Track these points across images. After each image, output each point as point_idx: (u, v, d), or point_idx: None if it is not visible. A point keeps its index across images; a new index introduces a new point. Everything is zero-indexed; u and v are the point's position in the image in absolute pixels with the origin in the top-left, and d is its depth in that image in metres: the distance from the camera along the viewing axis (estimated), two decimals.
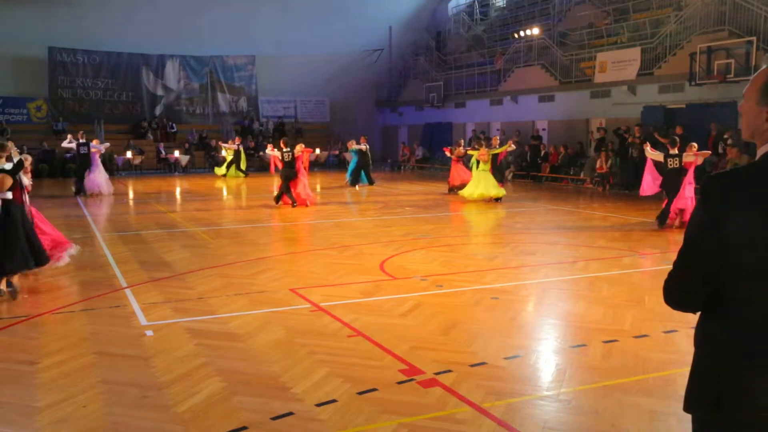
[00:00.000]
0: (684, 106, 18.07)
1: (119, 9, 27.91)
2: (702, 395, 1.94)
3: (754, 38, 15.78)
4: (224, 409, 4.17)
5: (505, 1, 31.13)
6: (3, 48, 26.51)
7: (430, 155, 28.89)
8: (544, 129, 23.78)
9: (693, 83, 17.09)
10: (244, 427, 3.91)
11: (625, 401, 4.22)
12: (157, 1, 28.32)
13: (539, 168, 22.04)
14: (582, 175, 20.17)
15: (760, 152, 1.91)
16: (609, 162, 18.80)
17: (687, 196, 11.19)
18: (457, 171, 18.73)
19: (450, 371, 4.77)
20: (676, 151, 11.37)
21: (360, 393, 4.39)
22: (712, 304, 1.93)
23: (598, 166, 19.18)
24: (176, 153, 27.79)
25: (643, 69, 19.04)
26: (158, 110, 30.26)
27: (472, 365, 4.90)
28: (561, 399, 4.32)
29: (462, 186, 17.46)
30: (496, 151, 16.38)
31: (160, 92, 30.33)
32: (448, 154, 19.26)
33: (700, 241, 1.90)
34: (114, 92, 29.64)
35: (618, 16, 22.39)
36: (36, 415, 4.10)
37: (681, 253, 1.95)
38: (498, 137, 18.85)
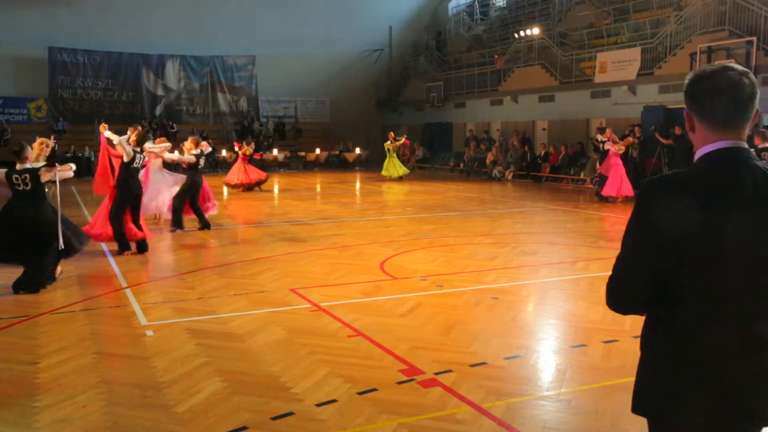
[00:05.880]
0: (684, 106, 18.04)
1: (119, 9, 27.92)
2: (647, 399, 2.00)
3: (754, 38, 15.77)
4: (224, 409, 4.17)
5: (505, 1, 31.11)
6: (3, 48, 26.51)
7: (430, 155, 28.90)
8: (544, 129, 23.79)
9: None
10: (244, 427, 3.91)
11: (625, 401, 4.19)
12: (158, 1, 28.34)
13: (539, 168, 22.04)
14: (582, 175, 20.17)
15: (696, 156, 1.95)
16: None
17: None
18: (240, 169, 18.78)
19: (450, 371, 4.76)
20: None
21: (360, 393, 4.39)
22: (654, 307, 1.95)
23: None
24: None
25: (643, 69, 19.04)
26: (158, 110, 30.24)
27: (472, 365, 4.90)
28: (561, 399, 4.32)
29: (238, 185, 18.38)
30: (399, 143, 23.43)
31: (160, 92, 30.32)
32: (237, 149, 19.45)
33: (638, 245, 1.91)
34: (114, 92, 29.63)
35: (618, 16, 22.38)
36: (36, 415, 4.10)
37: (621, 258, 1.96)
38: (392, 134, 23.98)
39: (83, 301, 6.87)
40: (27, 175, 7.04)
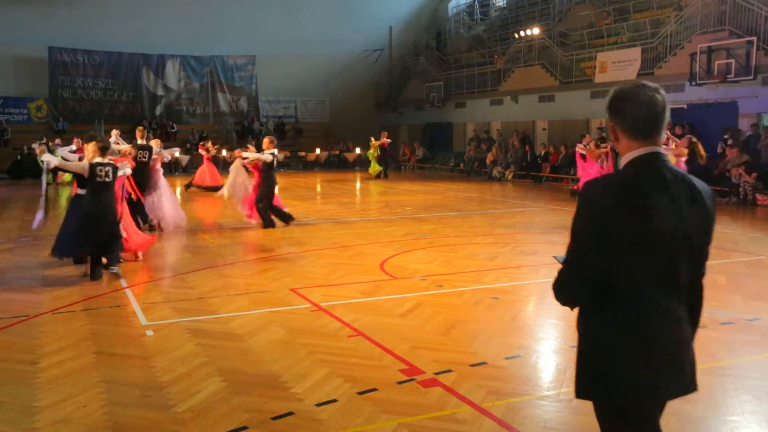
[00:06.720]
0: (685, 106, 18.07)
1: (119, 9, 27.94)
2: (596, 382, 2.21)
3: (754, 38, 15.78)
4: (224, 409, 4.17)
5: (505, 1, 31.13)
6: (3, 48, 26.51)
7: (430, 155, 28.91)
8: (544, 129, 23.78)
9: (693, 83, 17.09)
10: (244, 427, 3.91)
11: None
12: (158, 1, 28.35)
13: (539, 168, 22.04)
14: None
15: (622, 162, 2.22)
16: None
17: None
18: (206, 170, 18.17)
19: (450, 371, 4.76)
20: None
21: (360, 393, 4.39)
22: (596, 296, 2.20)
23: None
24: (176, 153, 27.76)
25: (643, 69, 19.04)
26: (158, 110, 30.24)
27: (472, 365, 4.90)
28: (561, 399, 4.32)
29: (209, 188, 17.63)
30: (378, 143, 23.78)
31: (160, 92, 30.32)
32: (202, 152, 18.67)
33: (588, 238, 2.16)
34: (114, 92, 29.63)
35: (618, 16, 22.39)
36: (36, 415, 4.09)
37: (573, 248, 2.22)
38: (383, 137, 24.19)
39: (83, 301, 6.87)
40: (110, 168, 7.76)
